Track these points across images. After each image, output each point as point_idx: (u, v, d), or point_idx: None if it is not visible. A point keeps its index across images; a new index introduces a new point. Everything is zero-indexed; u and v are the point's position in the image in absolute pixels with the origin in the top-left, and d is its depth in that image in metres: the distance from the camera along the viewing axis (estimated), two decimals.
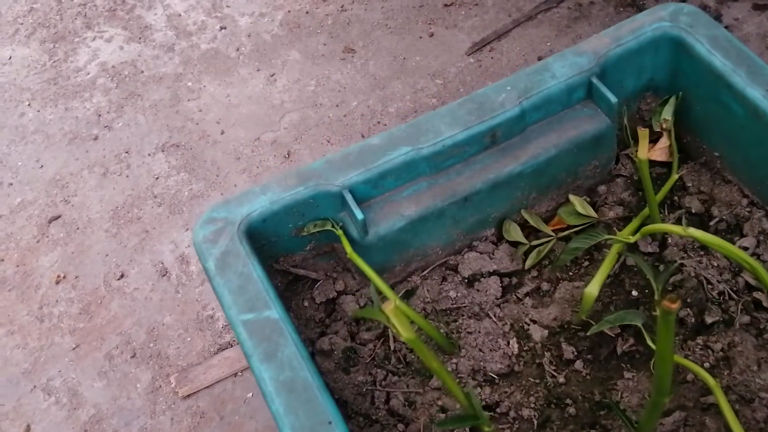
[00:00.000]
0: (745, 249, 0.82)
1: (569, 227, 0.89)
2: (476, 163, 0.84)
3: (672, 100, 0.89)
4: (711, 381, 0.68)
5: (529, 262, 0.87)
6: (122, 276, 1.26)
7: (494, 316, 0.83)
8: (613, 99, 0.83)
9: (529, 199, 0.88)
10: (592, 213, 0.88)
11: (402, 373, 0.81)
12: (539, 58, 1.46)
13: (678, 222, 0.87)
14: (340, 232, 0.81)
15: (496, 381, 0.79)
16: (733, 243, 0.83)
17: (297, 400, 0.64)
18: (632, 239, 0.78)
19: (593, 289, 0.79)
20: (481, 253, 0.87)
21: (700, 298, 0.80)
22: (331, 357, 0.81)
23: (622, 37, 0.86)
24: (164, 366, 1.15)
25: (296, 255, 0.84)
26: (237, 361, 1.12)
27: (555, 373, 0.79)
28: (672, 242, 0.85)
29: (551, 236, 0.88)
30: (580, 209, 0.87)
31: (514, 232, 0.88)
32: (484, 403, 0.77)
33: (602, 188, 0.91)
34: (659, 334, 0.60)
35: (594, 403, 0.77)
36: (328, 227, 0.81)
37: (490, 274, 0.86)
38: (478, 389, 0.78)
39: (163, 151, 1.44)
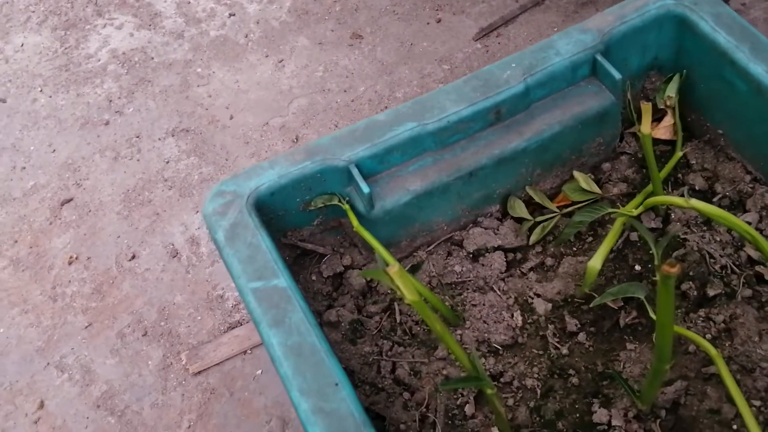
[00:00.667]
0: (748, 224, 0.83)
1: (573, 204, 0.90)
2: (481, 139, 0.85)
3: (676, 78, 0.90)
4: (712, 350, 0.69)
5: (533, 238, 0.88)
6: (134, 257, 1.28)
7: (498, 289, 0.84)
8: (618, 75, 0.84)
9: (533, 175, 0.89)
10: (596, 189, 0.89)
11: (407, 344, 0.82)
12: None
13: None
14: (347, 206, 0.82)
15: (500, 352, 0.81)
16: None
17: (304, 363, 0.66)
18: (635, 212, 0.79)
19: (596, 262, 0.80)
20: (486, 229, 0.88)
21: (703, 272, 0.81)
22: (338, 328, 0.82)
23: (626, 15, 0.87)
24: (175, 344, 1.17)
25: (304, 229, 0.86)
26: (246, 339, 1.14)
27: (558, 345, 0.80)
28: (675, 218, 0.86)
29: (555, 212, 0.89)
30: (584, 185, 0.88)
31: (519, 209, 0.89)
32: (488, 373, 0.78)
33: (606, 165, 0.92)
34: (659, 298, 0.61)
35: (597, 373, 0.78)
36: (335, 202, 0.83)
37: (495, 249, 0.87)
38: (483, 360, 0.79)
39: (173, 136, 1.45)
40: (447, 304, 0.83)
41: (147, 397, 1.12)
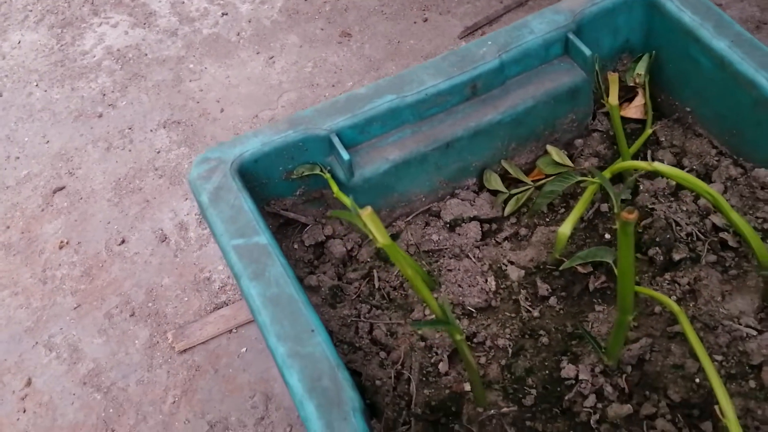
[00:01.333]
0: None
1: (547, 177, 0.93)
2: (458, 112, 0.89)
3: (645, 57, 0.94)
4: (675, 307, 0.72)
5: (508, 209, 0.92)
6: (123, 242, 1.31)
7: (473, 256, 0.87)
8: (588, 52, 0.88)
9: (508, 149, 0.93)
10: (569, 162, 0.92)
11: (385, 308, 0.85)
12: None
13: (650, 174, 0.91)
14: (327, 175, 0.86)
15: (474, 314, 0.83)
16: None
17: (282, 312, 0.69)
18: (601, 180, 0.83)
19: (566, 228, 0.83)
20: (462, 200, 0.91)
21: (669, 238, 0.84)
22: (318, 293, 0.85)
23: None
24: (162, 324, 1.19)
25: (287, 199, 0.89)
26: (232, 319, 1.16)
27: (530, 308, 0.83)
28: (644, 189, 0.89)
29: (530, 185, 0.93)
30: (557, 159, 0.92)
31: (495, 181, 0.93)
32: (463, 334, 0.81)
33: (579, 141, 0.95)
34: (619, 246, 0.64)
35: (566, 334, 0.81)
36: (317, 171, 0.86)
37: (471, 219, 0.90)
38: (457, 321, 0.82)
39: (164, 128, 1.49)
40: (424, 269, 0.86)
41: (133, 374, 1.14)
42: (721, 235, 0.84)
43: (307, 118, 0.85)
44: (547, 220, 0.91)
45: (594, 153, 0.94)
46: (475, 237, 0.89)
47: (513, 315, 0.83)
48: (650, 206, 0.87)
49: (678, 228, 0.84)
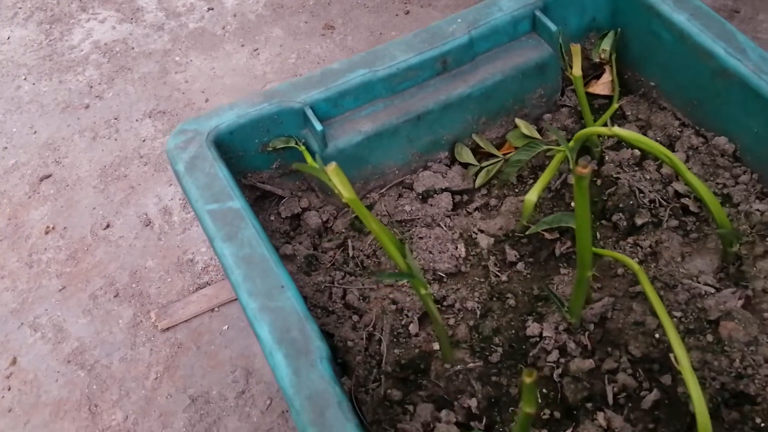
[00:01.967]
0: None
1: (517, 150, 0.96)
2: (429, 86, 0.92)
3: (610, 34, 0.97)
4: (635, 266, 0.75)
5: (478, 181, 0.94)
6: (108, 226, 1.33)
7: (445, 225, 0.90)
8: (554, 28, 0.91)
9: (479, 123, 0.96)
10: (536, 134, 0.95)
11: (358, 274, 0.87)
12: None
13: (616, 146, 0.94)
14: (302, 147, 0.88)
15: (444, 279, 0.86)
16: None
17: (254, 270, 0.71)
18: (566, 148, 0.85)
19: (532, 195, 0.85)
20: (434, 173, 0.94)
21: (632, 204, 0.87)
22: (293, 261, 0.88)
23: None
24: (145, 304, 1.22)
25: (263, 172, 0.92)
26: (214, 298, 1.19)
27: (498, 273, 0.86)
28: (609, 159, 0.92)
29: (500, 158, 0.95)
30: (525, 132, 0.95)
31: (466, 155, 0.95)
32: (433, 297, 0.83)
33: (548, 116, 0.98)
34: (576, 200, 0.67)
35: (533, 296, 0.83)
36: (292, 144, 0.89)
37: (443, 190, 0.93)
38: (421, 275, 0.84)
39: (150, 117, 1.52)
40: (396, 237, 0.89)
41: (116, 352, 1.16)
42: (682, 200, 0.87)
43: (281, 91, 0.88)
44: (516, 191, 0.94)
45: (562, 127, 0.97)
46: (446, 207, 0.92)
47: (482, 280, 0.86)
48: (615, 175, 0.90)
49: (641, 195, 0.87)
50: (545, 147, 0.86)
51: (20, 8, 1.83)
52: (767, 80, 0.79)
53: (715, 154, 0.88)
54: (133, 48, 1.68)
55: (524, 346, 0.79)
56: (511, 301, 0.83)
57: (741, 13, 1.54)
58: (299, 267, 0.87)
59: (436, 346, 0.79)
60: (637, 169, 0.91)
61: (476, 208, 0.93)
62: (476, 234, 0.90)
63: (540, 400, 0.75)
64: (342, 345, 0.80)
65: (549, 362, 0.76)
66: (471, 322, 0.82)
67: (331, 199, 0.93)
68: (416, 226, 0.90)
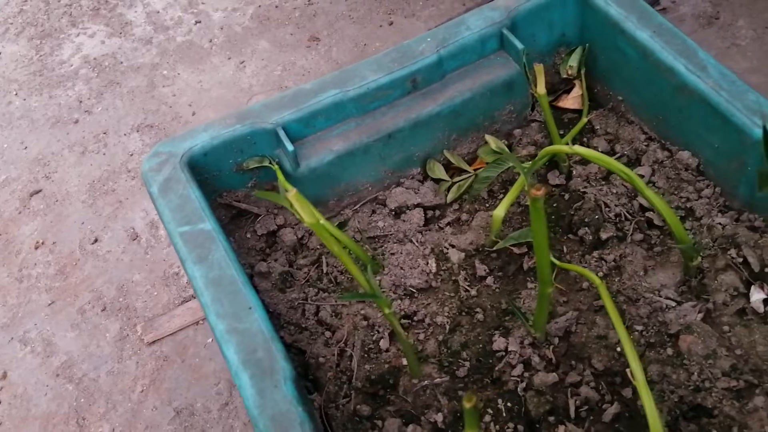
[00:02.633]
0: (642, 176, 0.91)
1: (486, 166, 0.98)
2: (400, 105, 0.94)
3: (578, 50, 0.99)
4: (597, 280, 0.76)
5: (450, 197, 0.96)
6: (96, 240, 1.36)
7: (416, 241, 0.92)
8: (520, 46, 0.93)
9: (450, 140, 0.98)
10: (506, 150, 0.97)
11: (332, 291, 0.89)
12: None
13: (584, 161, 0.96)
14: (276, 166, 0.90)
15: (415, 294, 0.88)
16: None
17: (222, 292, 0.73)
18: (534, 163, 0.87)
19: (500, 211, 0.87)
20: (407, 189, 0.96)
21: (598, 219, 0.88)
22: (268, 278, 0.90)
23: None
24: (132, 317, 1.24)
25: (239, 191, 0.94)
26: (199, 311, 1.21)
27: (468, 288, 0.88)
28: (576, 174, 0.94)
29: (471, 173, 0.97)
30: (495, 147, 0.97)
31: (438, 170, 0.97)
32: (403, 312, 0.86)
33: (518, 132, 1.00)
34: (532, 220, 0.68)
35: (500, 310, 0.85)
36: (266, 163, 0.91)
37: (415, 206, 0.95)
38: (398, 301, 0.87)
39: (138, 131, 1.54)
40: (369, 254, 0.91)
41: (104, 365, 1.19)
42: (647, 214, 0.88)
43: (255, 112, 0.90)
44: (487, 205, 0.96)
45: (532, 142, 0.98)
46: (418, 223, 0.94)
47: (452, 294, 0.88)
48: (582, 190, 0.92)
49: (607, 209, 0.89)
50: (511, 164, 0.88)
51: (11, 24, 1.86)
52: (725, 96, 0.80)
53: (680, 168, 0.90)
54: (121, 62, 1.71)
55: (491, 361, 0.81)
56: (480, 316, 0.85)
57: (720, 20, 1.55)
58: (274, 284, 0.89)
59: (405, 361, 0.82)
60: (604, 183, 0.92)
61: (448, 223, 0.95)
62: (447, 249, 0.92)
63: (505, 414, 0.77)
64: (314, 361, 0.82)
65: (513, 376, 0.78)
66: (440, 337, 0.84)
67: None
68: (389, 242, 0.92)
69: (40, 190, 1.46)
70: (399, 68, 0.92)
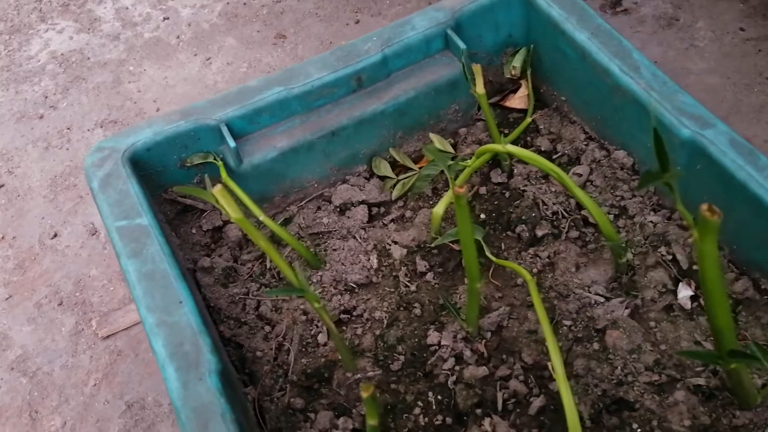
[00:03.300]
0: (579, 175, 0.93)
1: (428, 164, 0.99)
2: (345, 103, 0.95)
3: (522, 51, 1.00)
4: (527, 276, 0.78)
5: (395, 194, 0.98)
6: (55, 235, 1.36)
7: (359, 237, 0.93)
8: (462, 46, 0.94)
9: (395, 138, 0.99)
10: (449, 148, 0.98)
11: (274, 286, 0.91)
12: None
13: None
14: (220, 162, 0.91)
15: (356, 290, 0.89)
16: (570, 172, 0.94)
17: (155, 286, 0.74)
18: (471, 163, 0.89)
19: (439, 208, 0.89)
20: (352, 186, 0.97)
21: (534, 216, 0.90)
22: (211, 273, 0.91)
23: None
24: (88, 312, 1.25)
25: (184, 186, 0.94)
26: None
27: (408, 284, 0.89)
28: (517, 173, 0.95)
29: (416, 171, 0.99)
30: (439, 146, 0.98)
31: (384, 168, 0.99)
32: (342, 307, 0.87)
33: (463, 130, 1.02)
34: (457, 218, 0.70)
35: (438, 306, 0.87)
36: (210, 159, 0.92)
37: (360, 203, 0.96)
38: (339, 296, 0.88)
39: (101, 127, 1.54)
40: (311, 250, 0.92)
41: (58, 359, 1.19)
42: (583, 212, 0.90)
43: (199, 108, 0.91)
44: (431, 203, 0.97)
45: (476, 141, 1.00)
46: (362, 219, 0.95)
47: (392, 290, 0.89)
48: (522, 188, 0.94)
49: (545, 207, 0.91)
50: (451, 162, 0.90)
51: None
52: (656, 97, 0.82)
53: (616, 167, 0.91)
54: (89, 58, 1.71)
55: (424, 355, 0.82)
56: (417, 311, 0.86)
57: (680, 21, 1.57)
58: (216, 279, 0.90)
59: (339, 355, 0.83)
60: (543, 182, 0.94)
61: (392, 220, 0.96)
62: (390, 245, 0.93)
63: (434, 407, 0.78)
64: (251, 355, 0.83)
65: (444, 370, 0.80)
66: (377, 332, 0.85)
67: (251, 212, 0.96)
68: (332, 238, 0.94)
69: (2, 185, 1.46)
70: (344, 66, 0.93)
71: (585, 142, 0.96)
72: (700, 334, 0.78)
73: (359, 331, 0.85)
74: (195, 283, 0.88)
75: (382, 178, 0.99)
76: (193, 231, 0.96)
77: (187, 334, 0.70)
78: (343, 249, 0.91)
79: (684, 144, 0.79)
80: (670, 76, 1.41)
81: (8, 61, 1.74)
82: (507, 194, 0.95)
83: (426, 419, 0.77)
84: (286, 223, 0.96)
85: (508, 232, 0.91)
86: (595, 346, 0.78)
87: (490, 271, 0.88)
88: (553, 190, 0.92)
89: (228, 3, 1.79)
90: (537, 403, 0.76)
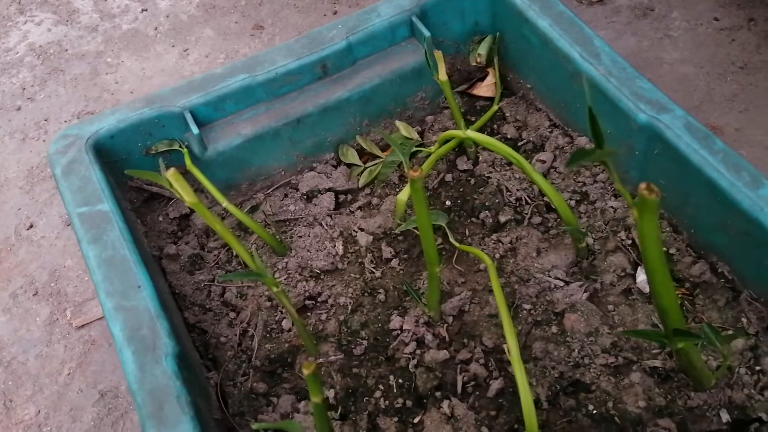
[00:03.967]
0: (543, 162, 0.94)
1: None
2: (310, 91, 0.95)
3: (488, 39, 1.01)
4: (487, 260, 0.79)
5: (361, 181, 0.98)
6: (31, 226, 1.36)
7: (325, 224, 0.94)
8: (427, 33, 0.95)
9: (362, 125, 0.99)
10: (416, 135, 0.99)
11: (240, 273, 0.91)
12: None
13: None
14: (185, 150, 0.92)
15: (321, 276, 0.90)
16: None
17: (114, 271, 0.75)
18: (434, 149, 0.89)
19: (403, 195, 0.89)
20: (319, 173, 0.98)
21: (498, 203, 0.91)
22: (177, 261, 0.91)
23: None
24: (62, 302, 1.25)
25: (140, 171, 0.95)
26: None
27: (373, 270, 0.90)
28: (483, 160, 0.96)
29: (383, 158, 0.99)
30: (405, 133, 0.98)
31: (351, 156, 0.99)
32: (307, 293, 0.87)
33: (430, 118, 1.02)
34: (414, 202, 0.71)
35: (402, 291, 0.87)
36: (175, 147, 0.92)
37: (327, 190, 0.97)
38: (304, 283, 0.88)
39: (78, 119, 1.54)
40: (277, 237, 0.93)
41: (33, 349, 1.20)
42: (545, 199, 0.91)
43: (163, 96, 0.91)
44: (397, 190, 0.98)
45: (443, 128, 1.01)
46: (328, 206, 0.95)
47: (357, 276, 0.90)
48: (487, 175, 0.94)
49: (508, 193, 0.91)
50: (415, 149, 0.90)
51: None
52: (614, 83, 0.83)
53: None
54: (66, 50, 1.71)
55: (387, 339, 0.83)
56: (382, 297, 0.87)
57: (655, 11, 1.58)
58: (182, 266, 0.91)
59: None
60: (507, 168, 0.95)
61: (359, 207, 0.97)
62: (356, 232, 0.94)
63: (395, 390, 0.79)
64: (215, 341, 0.84)
65: (406, 354, 0.80)
66: (341, 317, 0.86)
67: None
68: (298, 225, 0.94)
69: None
70: (308, 54, 0.94)
71: (549, 129, 0.97)
72: (658, 317, 0.79)
73: (323, 317, 0.86)
74: (160, 270, 0.89)
75: (350, 165, 0.99)
76: (160, 219, 0.96)
77: (144, 319, 0.71)
78: (309, 236, 0.92)
79: (642, 129, 0.80)
80: (644, 66, 1.43)
81: None
82: (472, 181, 0.95)
83: (387, 402, 0.78)
84: (252, 210, 0.96)
85: (473, 219, 0.92)
86: (554, 329, 0.79)
87: (454, 257, 0.89)
88: (517, 176, 0.93)
89: None
90: (495, 385, 0.76)
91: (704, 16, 1.54)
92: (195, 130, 0.88)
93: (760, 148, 1.24)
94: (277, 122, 0.93)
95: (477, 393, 0.77)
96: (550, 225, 0.89)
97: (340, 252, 0.91)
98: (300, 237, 0.92)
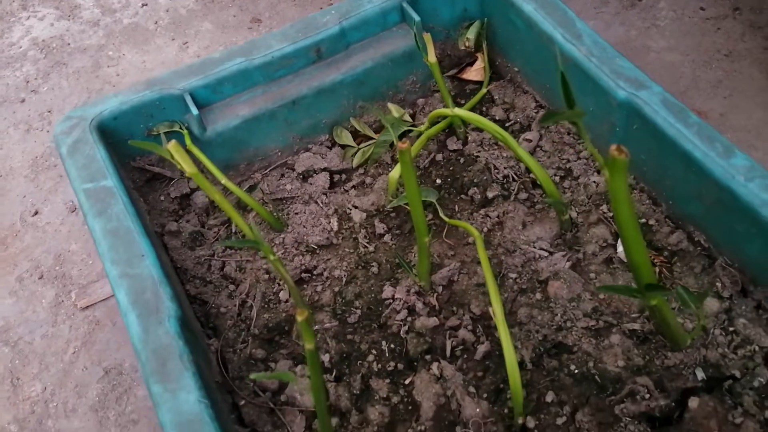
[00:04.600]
0: (529, 141, 0.97)
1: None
2: (305, 74, 0.99)
3: (476, 24, 1.05)
4: (475, 232, 0.83)
5: (355, 161, 1.02)
6: (36, 213, 1.40)
7: (321, 202, 0.98)
8: (416, 18, 0.99)
9: (356, 108, 1.03)
10: (408, 118, 1.03)
11: (238, 248, 0.95)
12: None
13: (479, 128, 1.02)
14: (185, 131, 0.96)
15: (317, 251, 0.94)
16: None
17: (119, 241, 0.79)
18: (424, 128, 0.93)
19: (395, 173, 0.93)
20: (314, 154, 1.02)
21: (486, 180, 0.95)
22: (178, 237, 0.95)
23: None
24: (67, 285, 1.29)
25: (152, 155, 0.99)
26: None
27: (367, 245, 0.94)
28: (471, 140, 1.00)
29: (376, 140, 1.03)
30: (396, 114, 1.02)
31: (345, 137, 1.03)
32: (303, 267, 0.91)
33: (421, 101, 1.06)
34: (402, 174, 0.74)
35: (394, 264, 0.91)
36: (176, 128, 0.96)
37: (322, 170, 1.01)
38: (300, 257, 0.92)
39: None
40: (274, 214, 0.96)
41: (38, 329, 1.24)
42: (531, 175, 0.95)
43: (163, 79, 0.95)
44: (390, 169, 1.02)
45: (433, 110, 1.04)
46: (323, 185, 0.99)
47: (351, 251, 0.94)
48: (476, 154, 0.98)
49: (496, 171, 0.95)
50: (406, 128, 0.94)
51: None
52: (595, 62, 0.87)
53: (563, 132, 0.96)
54: (69, 44, 1.75)
55: (380, 308, 0.87)
56: (375, 269, 0.91)
57: (643, 2, 1.62)
58: (184, 242, 0.95)
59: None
60: (496, 148, 0.99)
61: (353, 186, 1.00)
62: (350, 210, 0.97)
63: (387, 354, 0.83)
64: (215, 311, 0.88)
65: (397, 321, 0.84)
66: (336, 288, 0.90)
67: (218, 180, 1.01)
68: (295, 203, 0.98)
69: None
70: (303, 38, 0.97)
71: (536, 110, 1.01)
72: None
73: (319, 288, 0.90)
74: (162, 246, 0.92)
75: (344, 146, 1.03)
76: (162, 198, 1.00)
77: (148, 284, 0.75)
78: (305, 213, 0.96)
79: (621, 105, 0.84)
80: (632, 55, 1.47)
81: None
82: (462, 160, 0.99)
83: (379, 365, 0.81)
84: (250, 189, 1.00)
85: (462, 195, 0.96)
86: (538, 296, 0.83)
87: (444, 232, 0.93)
88: (505, 155, 0.97)
89: None
90: (482, 348, 0.80)
91: (690, 5, 1.58)
92: (195, 111, 0.92)
93: (743, 131, 1.28)
94: (274, 104, 0.97)
95: (465, 356, 0.81)
96: (535, 200, 0.93)
97: (335, 228, 0.95)
98: (296, 214, 0.96)
